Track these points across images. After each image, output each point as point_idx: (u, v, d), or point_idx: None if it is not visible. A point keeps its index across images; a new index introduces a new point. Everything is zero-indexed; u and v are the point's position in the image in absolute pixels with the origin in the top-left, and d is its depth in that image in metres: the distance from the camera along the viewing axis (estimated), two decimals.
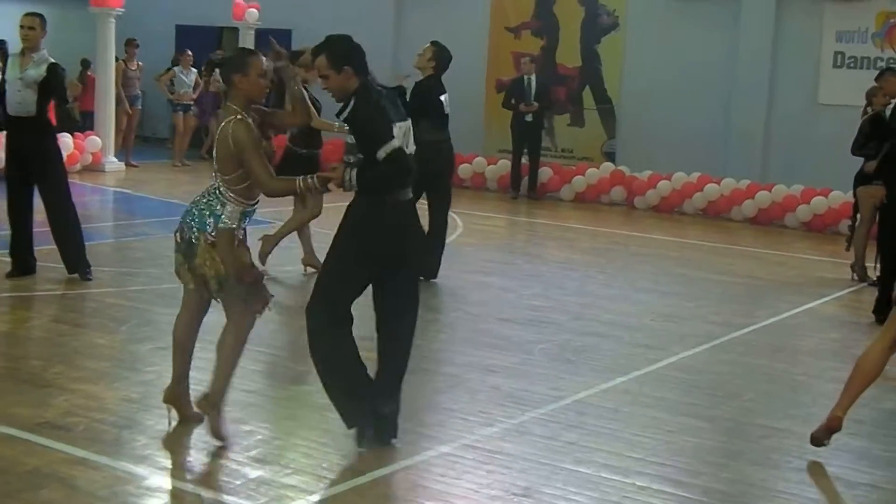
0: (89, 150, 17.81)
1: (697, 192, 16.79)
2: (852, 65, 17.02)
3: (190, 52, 19.89)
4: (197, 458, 5.71)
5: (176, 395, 6.12)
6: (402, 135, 5.70)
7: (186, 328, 6.12)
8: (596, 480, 5.66)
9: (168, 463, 5.59)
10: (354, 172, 5.61)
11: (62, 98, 9.86)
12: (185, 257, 5.81)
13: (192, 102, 19.73)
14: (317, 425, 6.23)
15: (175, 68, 19.76)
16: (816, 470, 6.05)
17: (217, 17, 21.91)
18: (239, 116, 5.68)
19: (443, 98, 10.28)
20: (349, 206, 5.82)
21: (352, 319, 5.84)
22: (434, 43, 10.47)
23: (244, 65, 5.76)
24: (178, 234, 5.86)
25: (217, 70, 6.05)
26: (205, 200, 5.77)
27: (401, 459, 5.77)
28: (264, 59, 5.91)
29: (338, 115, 5.78)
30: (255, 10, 20.27)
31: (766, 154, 17.58)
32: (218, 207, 5.72)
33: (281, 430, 6.12)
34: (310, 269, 10.42)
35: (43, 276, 9.73)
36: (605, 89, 19.21)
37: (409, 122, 5.84)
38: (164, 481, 5.37)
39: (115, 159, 18.39)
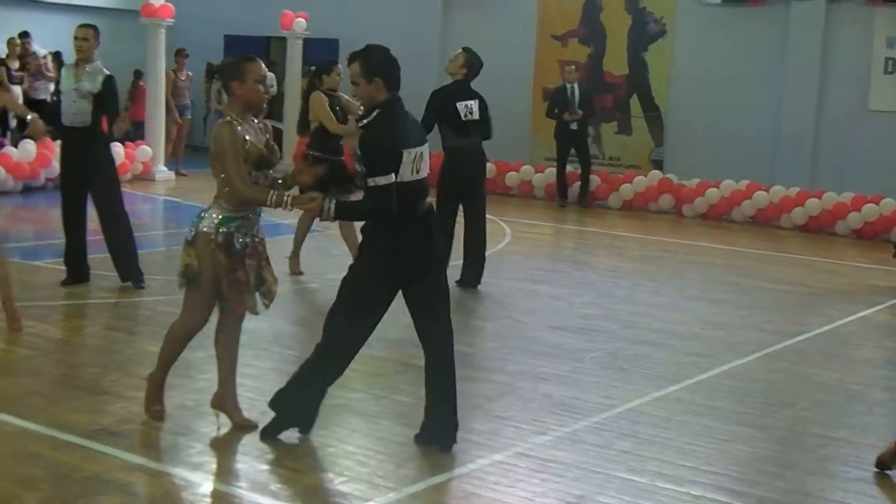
0: (140, 159, 17.98)
1: (746, 200, 16.69)
2: None
3: None
4: (252, 465, 5.73)
5: (219, 398, 6.25)
6: (412, 160, 5.74)
7: (216, 334, 6.32)
8: (650, 489, 5.64)
9: (223, 470, 5.62)
10: (334, 204, 5.70)
11: (115, 109, 9.95)
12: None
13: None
14: (370, 433, 6.25)
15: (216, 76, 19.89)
16: (876, 480, 5.98)
17: (265, 27, 22.06)
18: (227, 119, 5.83)
19: (464, 104, 10.28)
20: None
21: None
22: (466, 49, 10.55)
23: (242, 71, 5.87)
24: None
25: (208, 73, 6.19)
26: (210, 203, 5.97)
27: (455, 468, 5.78)
28: (263, 65, 6.00)
29: (358, 120, 5.84)
30: (302, 20, 20.39)
31: (816, 161, 17.46)
32: (206, 210, 5.95)
33: (334, 437, 6.13)
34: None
35: (97, 285, 9.82)
36: (653, 97, 19.17)
37: (425, 146, 5.89)
38: (220, 488, 5.40)
39: (165, 168, 18.56)
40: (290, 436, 6.08)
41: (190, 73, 19.59)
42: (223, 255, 5.89)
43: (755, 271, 12.66)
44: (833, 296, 11.46)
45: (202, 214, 5.94)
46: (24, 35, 19.45)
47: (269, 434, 6.02)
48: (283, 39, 21.19)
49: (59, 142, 10.16)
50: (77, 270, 9.81)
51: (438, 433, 5.98)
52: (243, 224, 5.96)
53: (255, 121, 6.07)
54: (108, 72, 9.60)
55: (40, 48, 19.62)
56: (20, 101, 18.58)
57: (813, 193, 16.27)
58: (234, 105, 5.93)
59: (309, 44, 20.58)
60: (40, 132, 9.77)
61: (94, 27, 9.67)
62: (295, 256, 10.86)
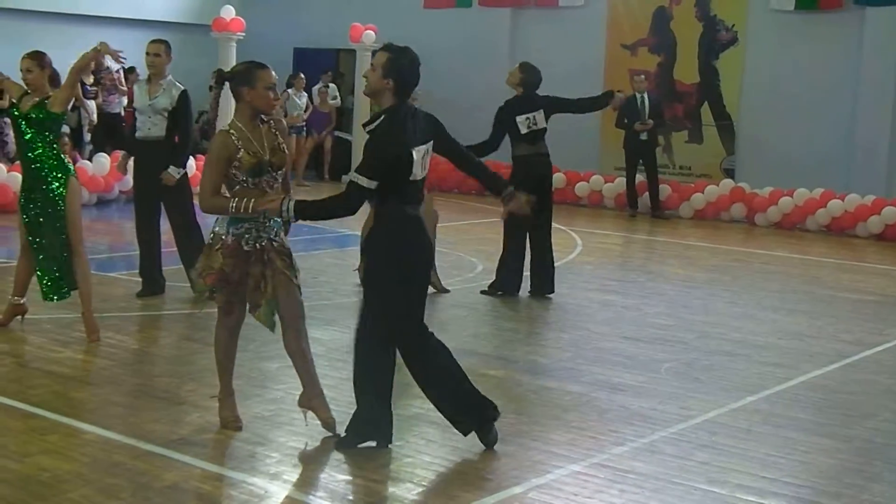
0: None
1: (820, 209, 16.50)
2: None
3: (303, 75, 20.18)
4: (330, 475, 5.74)
5: (305, 397, 6.36)
6: (421, 157, 5.86)
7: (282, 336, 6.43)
8: (731, 501, 5.56)
9: (301, 480, 5.63)
10: (292, 203, 5.75)
11: (189, 124, 10.03)
12: None
13: (303, 124, 19.99)
14: (446, 443, 6.22)
15: (288, 90, 20.04)
16: None
17: (334, 40, 22.20)
18: (226, 128, 5.92)
19: (525, 117, 10.42)
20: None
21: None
22: (521, 64, 10.72)
23: (253, 77, 5.90)
24: None
25: (218, 79, 6.14)
26: None
27: (532, 478, 5.74)
28: (273, 72, 6.06)
29: (364, 125, 5.91)
30: (371, 32, 20.48)
31: (892, 169, 17.20)
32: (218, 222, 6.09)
33: (412, 447, 6.12)
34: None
35: (171, 296, 9.91)
36: (724, 105, 19.01)
37: (430, 143, 5.95)
38: (298, 498, 5.41)
39: None
40: (368, 446, 6.08)
41: None
42: (230, 259, 5.98)
43: (831, 281, 12.49)
44: None
45: (218, 218, 6.06)
46: None
47: (345, 446, 6.04)
48: (352, 52, 21.30)
49: (132, 156, 10.23)
50: (152, 282, 9.91)
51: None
52: (253, 227, 6.02)
53: (265, 123, 6.11)
54: (182, 86, 9.69)
55: (113, 63, 19.86)
56: (94, 115, 18.90)
57: (889, 201, 16.04)
58: (241, 111, 5.98)
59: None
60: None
61: (165, 42, 9.77)
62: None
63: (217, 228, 6.05)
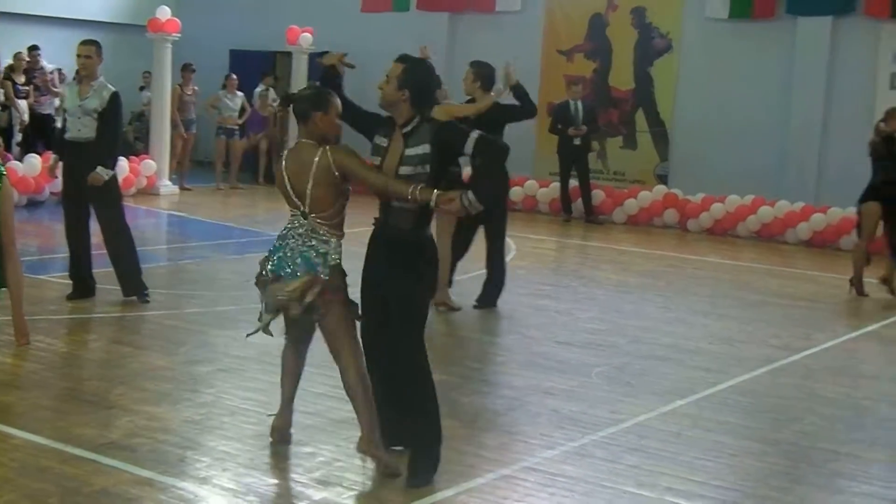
0: (144, 173, 18.00)
1: (751, 215, 16.71)
2: None
3: (235, 77, 20.06)
4: (260, 479, 5.71)
5: (284, 420, 6.19)
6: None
7: (294, 354, 6.23)
8: None
9: (231, 484, 5.60)
10: (469, 193, 5.55)
11: (119, 126, 9.93)
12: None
13: (236, 127, 19.89)
14: None
15: (220, 92, 19.92)
16: (883, 495, 5.97)
17: (271, 42, 22.11)
18: (327, 147, 5.66)
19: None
20: (389, 242, 5.76)
21: None
22: (472, 63, 10.38)
23: (326, 103, 5.76)
24: (271, 279, 5.81)
25: (283, 100, 6.00)
26: (305, 243, 5.69)
27: (462, 482, 5.75)
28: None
29: (405, 135, 5.70)
30: (308, 35, 20.42)
31: (821, 176, 17.44)
32: (322, 247, 5.67)
33: (342, 451, 6.12)
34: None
35: (102, 299, 9.82)
36: (658, 112, 19.17)
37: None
38: (228, 502, 5.38)
39: (169, 183, 18.58)
40: (298, 451, 6.08)
41: (196, 88, 19.61)
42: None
43: (761, 286, 12.65)
44: (839, 310, 11.46)
45: (309, 255, 5.67)
46: (34, 49, 19.49)
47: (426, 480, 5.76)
48: (288, 54, 21.22)
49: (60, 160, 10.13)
50: (83, 285, 9.81)
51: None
52: None
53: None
54: (113, 88, 9.60)
55: (47, 63, 19.68)
56: (25, 115, 18.68)
57: (818, 209, 16.28)
58: (310, 134, 5.75)
59: (315, 59, 20.58)
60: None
61: (96, 43, 9.67)
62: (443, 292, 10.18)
63: (333, 261, 5.68)
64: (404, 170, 5.61)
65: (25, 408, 6.67)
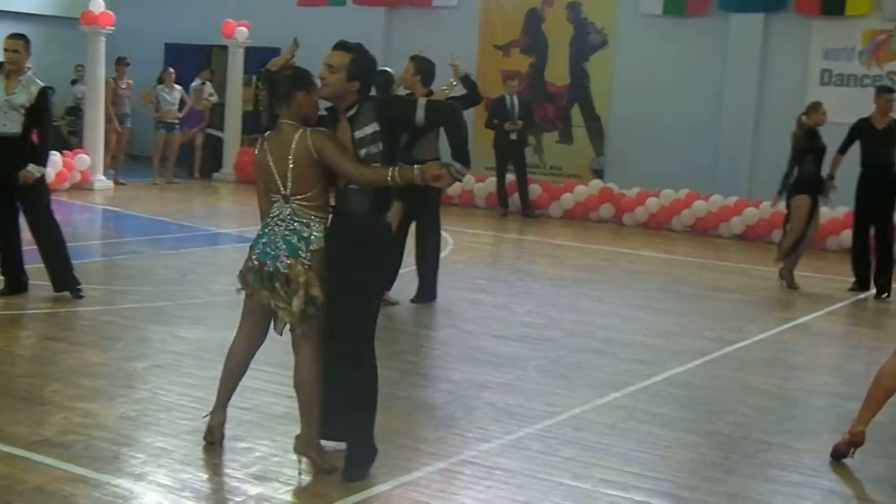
0: (78, 168, 17.81)
1: (685, 209, 16.89)
2: (839, 82, 17.18)
3: (172, 70, 19.91)
4: (196, 475, 5.69)
5: (219, 421, 6.09)
6: None
7: (245, 356, 6.09)
8: (594, 495, 5.68)
9: (167, 480, 5.57)
10: (454, 162, 5.60)
11: (49, 122, 9.79)
12: (271, 290, 5.66)
13: (176, 121, 19.75)
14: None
15: (158, 86, 19.76)
16: (812, 484, 6.08)
17: (206, 36, 21.98)
18: (307, 128, 5.60)
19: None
20: (344, 228, 5.69)
21: None
22: (412, 57, 10.33)
23: (309, 83, 5.66)
24: (256, 265, 5.69)
25: (262, 82, 5.88)
26: (288, 227, 5.62)
27: (399, 475, 5.77)
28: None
29: (350, 118, 5.64)
30: (244, 29, 20.32)
31: (755, 170, 17.67)
32: (305, 230, 5.61)
33: (278, 446, 6.11)
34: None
35: (35, 295, 9.70)
36: (594, 107, 19.31)
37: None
38: (164, 498, 5.36)
39: (103, 177, 18.39)
40: (234, 446, 6.06)
41: (130, 82, 19.42)
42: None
43: (695, 280, 12.80)
44: (771, 303, 11.63)
45: (291, 239, 5.60)
46: None
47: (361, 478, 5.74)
48: (224, 48, 21.09)
49: None
50: (15, 280, 9.69)
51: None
52: None
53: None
54: (41, 83, 9.47)
55: None
56: None
57: (751, 203, 16.48)
58: (292, 115, 5.66)
59: (251, 52, 20.51)
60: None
61: (24, 37, 9.50)
62: None
63: (315, 245, 5.60)
64: (359, 153, 5.57)
65: None
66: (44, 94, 9.38)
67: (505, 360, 8.40)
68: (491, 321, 9.87)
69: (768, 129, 17.50)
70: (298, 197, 5.62)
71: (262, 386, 7.10)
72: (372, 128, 5.57)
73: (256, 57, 20.11)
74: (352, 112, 5.63)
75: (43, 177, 9.69)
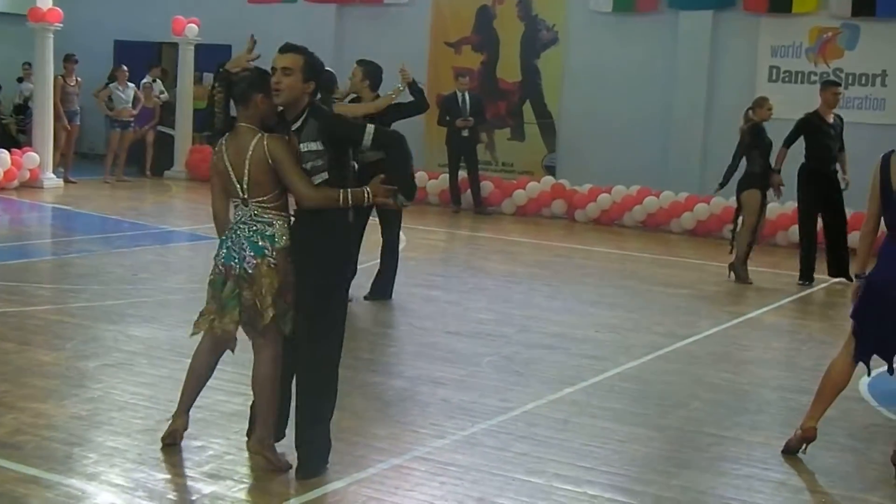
0: (27, 166, 17.62)
1: (637, 205, 16.98)
2: (787, 79, 17.33)
3: (126, 68, 19.77)
4: (149, 474, 5.67)
5: (182, 424, 6.04)
6: None
7: (209, 359, 6.06)
8: (548, 490, 5.71)
9: (120, 480, 5.55)
10: (399, 194, 5.63)
11: None
12: (237, 290, 5.62)
13: (131, 119, 19.63)
14: None
15: (111, 84, 19.61)
16: (763, 476, 6.14)
17: (156, 33, 21.82)
18: (265, 134, 5.57)
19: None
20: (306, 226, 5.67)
21: None
22: (360, 62, 10.33)
23: (268, 85, 5.59)
24: (223, 271, 5.67)
25: (219, 82, 5.81)
26: (250, 228, 5.60)
27: (353, 472, 5.78)
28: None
29: (296, 130, 5.61)
30: (194, 26, 20.19)
31: (705, 166, 17.78)
32: (268, 230, 5.60)
33: (232, 444, 6.09)
34: None
35: None
36: (545, 104, 19.36)
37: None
38: (117, 498, 5.33)
39: (53, 176, 18.20)
40: (188, 445, 6.04)
41: (79, 79, 19.24)
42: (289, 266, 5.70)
43: (647, 275, 12.88)
44: (722, 298, 11.72)
45: (254, 240, 5.59)
46: None
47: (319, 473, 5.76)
48: (174, 45, 20.95)
49: None
50: None
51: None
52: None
53: None
54: None
55: None
56: None
57: (702, 199, 16.60)
58: (249, 118, 5.63)
59: (201, 49, 20.40)
60: None
61: None
62: None
63: (279, 244, 5.61)
64: (304, 165, 5.55)
65: None
66: None
67: (458, 357, 8.42)
68: (444, 317, 9.89)
69: (718, 125, 17.61)
70: (256, 199, 5.60)
71: (215, 384, 7.02)
72: (316, 145, 5.55)
73: (207, 54, 20.06)
74: (297, 125, 5.60)
75: None
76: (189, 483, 5.56)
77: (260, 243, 5.59)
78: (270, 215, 5.63)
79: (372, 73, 10.17)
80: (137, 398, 6.84)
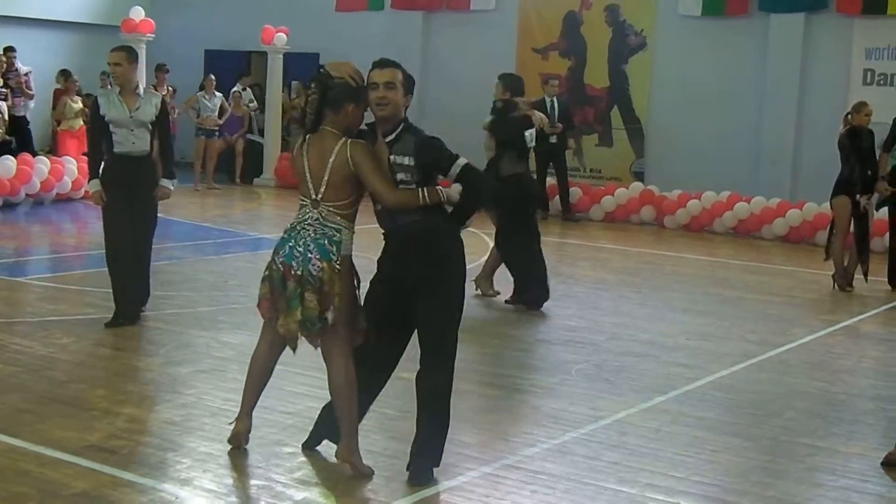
0: None
1: (728, 211, 16.78)
2: (882, 81, 17.04)
3: (213, 77, 20.03)
4: (241, 481, 5.72)
5: (245, 427, 6.09)
6: None
7: (267, 361, 6.08)
8: (640, 501, 5.64)
9: (212, 485, 5.59)
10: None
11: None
12: (300, 290, 5.61)
13: (216, 127, 19.86)
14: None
15: (199, 93, 19.88)
16: (861, 489, 6.01)
17: (245, 42, 22.07)
18: (350, 140, 5.61)
19: (529, 133, 10.56)
20: (428, 244, 5.66)
21: None
22: (500, 77, 10.76)
23: (362, 96, 5.64)
24: (282, 269, 5.66)
25: (316, 83, 5.80)
26: (317, 231, 5.61)
27: (444, 480, 5.76)
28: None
29: (389, 142, 5.64)
30: (283, 35, 20.38)
31: (797, 172, 17.55)
32: (336, 235, 5.62)
33: (323, 452, 6.11)
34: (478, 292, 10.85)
35: (79, 300, 9.77)
36: (634, 109, 19.24)
37: None
38: None
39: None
40: (279, 451, 6.07)
41: (171, 88, 19.53)
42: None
43: (739, 282, 12.71)
44: (817, 306, 11.52)
45: (321, 242, 5.60)
46: (10, 50, 19.29)
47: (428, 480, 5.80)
48: (263, 54, 21.17)
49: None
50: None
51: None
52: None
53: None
54: (158, 94, 9.30)
55: (21, 65, 19.53)
56: (5, 115, 18.55)
57: (794, 204, 16.35)
58: (336, 124, 5.65)
59: (289, 58, 20.59)
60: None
61: (126, 49, 9.03)
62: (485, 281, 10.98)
63: (346, 251, 5.64)
64: (395, 177, 5.60)
65: (4, 411, 6.62)
66: (164, 104, 9.11)
67: (548, 364, 8.39)
68: (533, 324, 9.84)
69: (810, 129, 17.38)
70: (329, 204, 5.63)
71: (305, 391, 7.12)
72: (408, 160, 5.58)
73: (295, 62, 20.24)
74: (391, 137, 5.64)
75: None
76: (280, 489, 5.57)
77: (326, 246, 5.60)
78: (340, 221, 5.64)
79: (512, 85, 10.58)
80: (229, 404, 6.88)
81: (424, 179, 5.62)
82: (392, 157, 5.61)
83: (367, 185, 5.59)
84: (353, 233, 5.71)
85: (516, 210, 10.39)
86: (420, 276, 5.63)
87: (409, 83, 5.68)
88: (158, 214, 9.45)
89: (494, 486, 5.74)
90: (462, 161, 5.63)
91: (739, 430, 6.93)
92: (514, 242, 10.48)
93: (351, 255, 5.68)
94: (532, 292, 10.41)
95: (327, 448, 6.11)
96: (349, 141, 5.60)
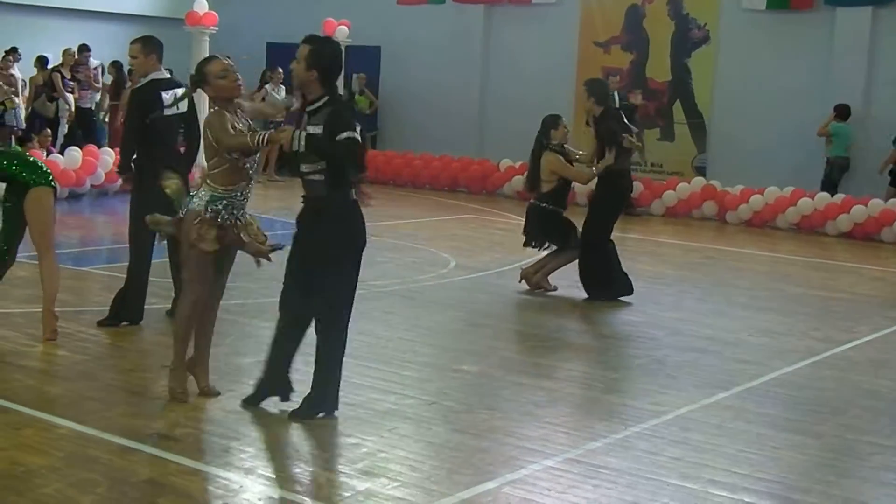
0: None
1: (791, 207, 16.63)
2: None
3: (280, 70, 20.15)
4: (304, 469, 5.77)
5: (192, 362, 6.93)
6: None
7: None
8: (703, 496, 5.61)
9: (276, 474, 5.64)
10: (303, 134, 6.12)
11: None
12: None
13: (282, 120, 19.96)
14: (421, 437, 6.26)
15: (266, 86, 20.01)
16: None
17: (307, 34, 22.13)
18: (214, 108, 6.49)
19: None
20: (312, 211, 6.65)
21: None
22: (585, 83, 11.06)
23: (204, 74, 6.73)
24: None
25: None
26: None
27: (506, 473, 5.77)
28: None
29: (309, 113, 6.31)
30: (345, 28, 20.47)
31: (863, 167, 17.35)
32: (199, 192, 6.50)
33: (386, 442, 6.14)
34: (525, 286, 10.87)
35: (147, 291, 9.84)
36: (696, 103, 19.14)
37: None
38: (274, 492, 5.42)
39: None
40: (343, 441, 6.12)
41: None
42: (215, 229, 6.50)
43: (802, 278, 12.60)
44: (882, 303, 11.38)
45: (199, 193, 6.52)
46: (85, 49, 19.53)
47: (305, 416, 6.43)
48: None
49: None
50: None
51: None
52: (230, 204, 6.57)
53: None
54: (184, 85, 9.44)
55: (93, 60, 19.81)
56: (73, 107, 18.81)
57: (858, 200, 16.17)
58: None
59: (351, 51, 20.66)
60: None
61: (140, 40, 9.36)
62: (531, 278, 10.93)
63: (194, 205, 6.46)
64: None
65: (72, 398, 6.73)
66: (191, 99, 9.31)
67: (609, 358, 8.37)
68: (594, 319, 9.82)
69: (876, 125, 17.17)
70: (208, 163, 6.51)
71: (368, 382, 7.16)
72: (318, 129, 6.17)
73: (357, 55, 20.31)
74: (312, 107, 6.30)
75: None
76: (343, 479, 5.61)
77: (190, 201, 6.57)
78: (207, 182, 6.53)
79: (595, 89, 10.70)
80: (293, 395, 6.93)
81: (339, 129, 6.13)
82: (308, 128, 6.19)
83: (217, 140, 6.31)
84: (214, 191, 6.46)
85: (617, 206, 10.90)
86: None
87: (314, 58, 6.19)
88: None
89: (556, 480, 5.73)
90: (350, 134, 6.10)
91: (803, 428, 6.88)
92: (602, 240, 10.61)
93: (203, 210, 6.41)
94: (620, 282, 10.63)
95: (390, 440, 6.15)
96: (211, 111, 6.48)
